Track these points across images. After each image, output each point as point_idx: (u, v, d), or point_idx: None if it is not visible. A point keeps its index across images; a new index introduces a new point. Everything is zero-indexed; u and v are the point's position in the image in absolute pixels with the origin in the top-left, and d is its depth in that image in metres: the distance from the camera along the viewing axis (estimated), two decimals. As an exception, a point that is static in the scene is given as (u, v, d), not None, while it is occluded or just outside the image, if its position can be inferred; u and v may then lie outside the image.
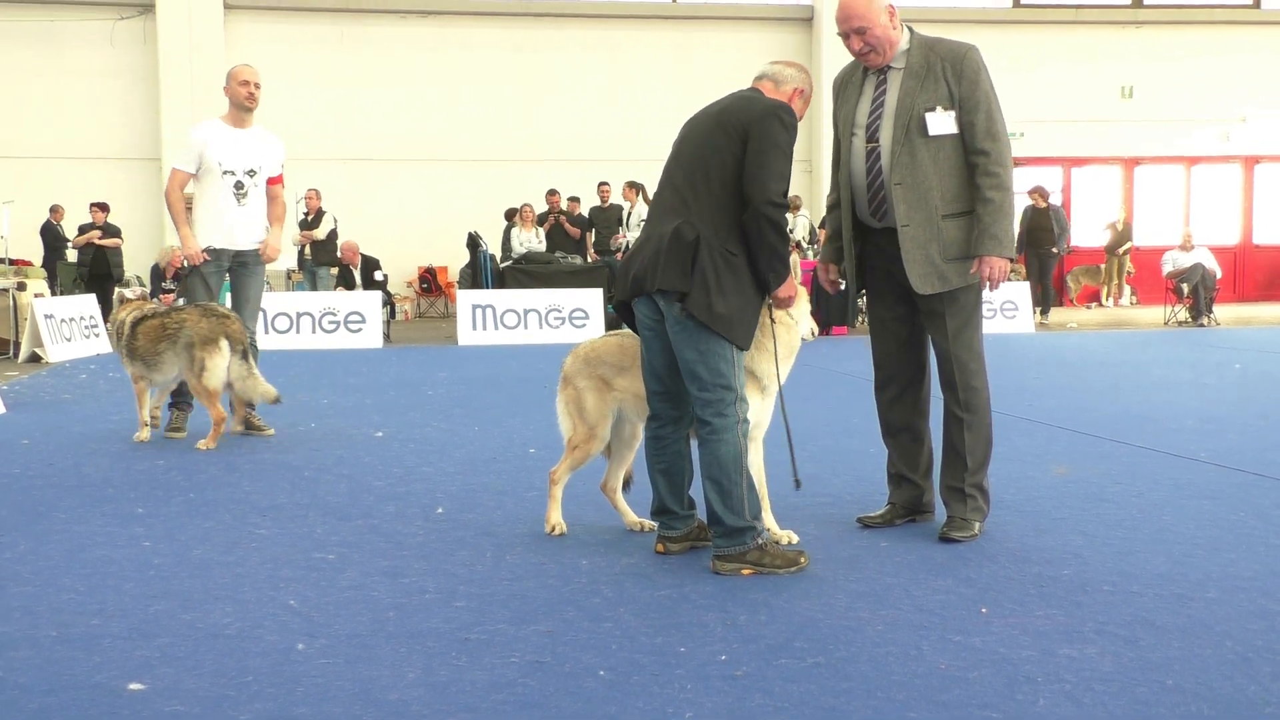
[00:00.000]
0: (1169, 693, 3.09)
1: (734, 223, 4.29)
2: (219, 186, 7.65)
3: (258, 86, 7.74)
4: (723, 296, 4.22)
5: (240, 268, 7.79)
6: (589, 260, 18.36)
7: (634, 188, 18.20)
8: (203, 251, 7.60)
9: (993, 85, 4.67)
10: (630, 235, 18.06)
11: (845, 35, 4.71)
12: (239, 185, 7.67)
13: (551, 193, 18.91)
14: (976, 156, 4.63)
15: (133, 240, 21.27)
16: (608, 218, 18.85)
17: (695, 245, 4.24)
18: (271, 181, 7.88)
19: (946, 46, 4.71)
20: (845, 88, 4.94)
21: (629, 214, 18.35)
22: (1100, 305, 22.67)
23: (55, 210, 19.23)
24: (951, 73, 4.63)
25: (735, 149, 4.27)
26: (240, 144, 7.72)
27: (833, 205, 5.06)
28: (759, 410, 4.56)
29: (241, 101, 7.71)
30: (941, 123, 4.62)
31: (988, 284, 4.69)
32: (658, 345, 4.45)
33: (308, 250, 17.90)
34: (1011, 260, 4.82)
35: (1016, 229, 16.19)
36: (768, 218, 4.23)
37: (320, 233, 17.81)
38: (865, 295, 5.10)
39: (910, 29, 4.78)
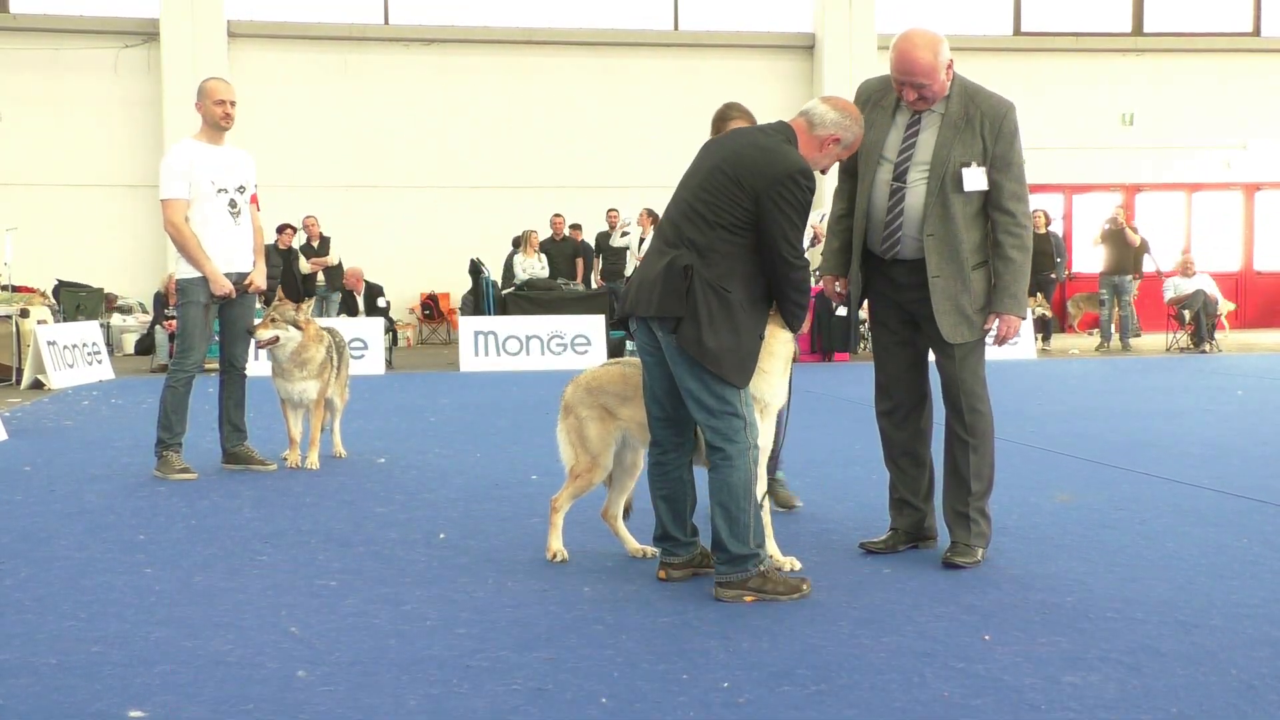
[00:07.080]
0: (1173, 720, 3.08)
1: (732, 263, 4.26)
2: (213, 206, 7.11)
3: (233, 105, 7.26)
4: (714, 332, 4.21)
5: (236, 296, 7.26)
6: (593, 286, 18.36)
7: (650, 215, 18.18)
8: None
9: (1022, 146, 4.73)
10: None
11: (901, 85, 4.68)
12: (233, 204, 7.20)
13: (556, 216, 18.92)
14: (1001, 215, 4.69)
15: (136, 267, 21.41)
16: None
17: (688, 277, 4.23)
18: (250, 200, 7.45)
19: (987, 100, 4.71)
20: (874, 109, 4.84)
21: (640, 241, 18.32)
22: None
23: (283, 231, 17.88)
24: (989, 129, 4.66)
25: (746, 203, 4.22)
26: (224, 160, 7.22)
27: (841, 214, 4.99)
28: (761, 431, 4.54)
29: (216, 121, 7.19)
30: (976, 179, 4.66)
31: (997, 341, 4.76)
32: (658, 371, 4.45)
33: (320, 277, 17.89)
34: (1023, 318, 4.87)
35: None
36: (791, 283, 4.32)
37: (333, 259, 17.86)
38: (868, 320, 5.11)
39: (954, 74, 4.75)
